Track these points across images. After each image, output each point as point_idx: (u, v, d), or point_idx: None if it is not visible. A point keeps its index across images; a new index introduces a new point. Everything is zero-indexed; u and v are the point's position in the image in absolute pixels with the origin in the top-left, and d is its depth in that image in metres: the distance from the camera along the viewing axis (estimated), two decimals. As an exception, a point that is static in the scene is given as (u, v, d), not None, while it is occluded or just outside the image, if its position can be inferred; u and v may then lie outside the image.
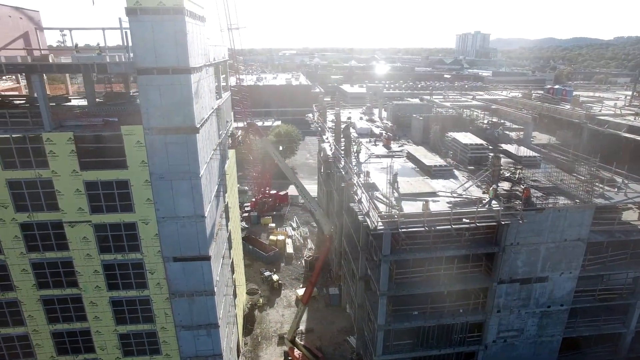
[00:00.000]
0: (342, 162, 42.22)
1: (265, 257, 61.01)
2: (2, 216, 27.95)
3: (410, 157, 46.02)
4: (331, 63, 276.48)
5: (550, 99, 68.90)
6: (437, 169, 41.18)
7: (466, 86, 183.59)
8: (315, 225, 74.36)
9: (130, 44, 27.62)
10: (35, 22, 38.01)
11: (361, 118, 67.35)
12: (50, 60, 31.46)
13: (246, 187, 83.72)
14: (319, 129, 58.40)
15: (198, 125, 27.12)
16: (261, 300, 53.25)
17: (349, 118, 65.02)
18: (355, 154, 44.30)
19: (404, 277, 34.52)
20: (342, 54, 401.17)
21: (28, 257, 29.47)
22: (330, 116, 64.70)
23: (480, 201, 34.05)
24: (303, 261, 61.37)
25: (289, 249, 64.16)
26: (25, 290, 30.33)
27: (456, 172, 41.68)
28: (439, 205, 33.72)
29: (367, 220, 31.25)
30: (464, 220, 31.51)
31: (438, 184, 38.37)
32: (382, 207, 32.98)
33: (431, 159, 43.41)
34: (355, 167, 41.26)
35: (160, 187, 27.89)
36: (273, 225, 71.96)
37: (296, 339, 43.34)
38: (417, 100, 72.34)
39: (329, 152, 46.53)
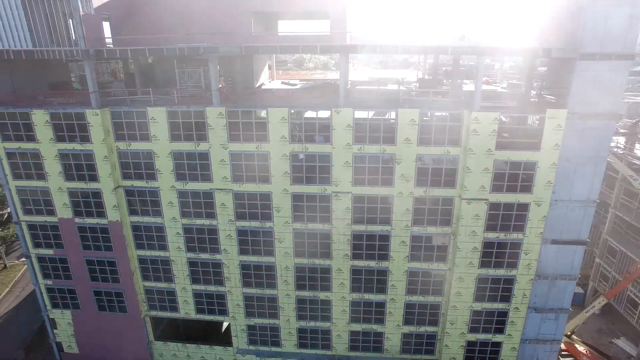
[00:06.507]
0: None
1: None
2: (401, 189, 30.07)
3: None
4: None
5: None
6: None
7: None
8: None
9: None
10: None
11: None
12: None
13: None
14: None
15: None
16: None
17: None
18: None
19: None
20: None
21: (410, 230, 31.51)
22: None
23: None
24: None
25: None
26: (398, 260, 32.48)
27: None
28: None
29: None
30: None
31: None
32: None
33: None
34: None
35: (564, 170, 28.68)
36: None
37: (572, 334, 42.63)
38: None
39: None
